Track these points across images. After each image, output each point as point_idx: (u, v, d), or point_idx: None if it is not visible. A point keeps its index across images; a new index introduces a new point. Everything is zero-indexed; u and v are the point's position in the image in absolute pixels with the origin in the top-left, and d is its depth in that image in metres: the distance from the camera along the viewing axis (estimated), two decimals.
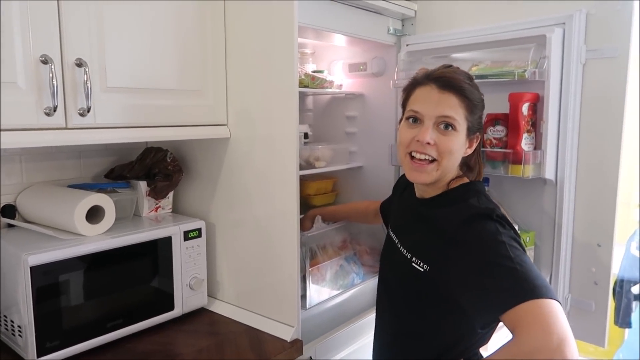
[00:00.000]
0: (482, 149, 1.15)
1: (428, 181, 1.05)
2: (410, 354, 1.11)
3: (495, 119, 1.46)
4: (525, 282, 0.88)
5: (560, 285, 1.44)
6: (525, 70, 1.37)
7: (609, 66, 1.34)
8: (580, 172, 1.42)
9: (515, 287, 0.88)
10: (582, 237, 1.43)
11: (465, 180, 1.10)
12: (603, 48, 1.34)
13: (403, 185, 1.26)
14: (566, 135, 1.40)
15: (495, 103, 1.47)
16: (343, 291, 1.64)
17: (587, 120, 1.40)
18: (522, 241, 0.97)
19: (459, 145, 1.04)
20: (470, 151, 1.08)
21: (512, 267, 0.89)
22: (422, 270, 1.02)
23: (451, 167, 1.06)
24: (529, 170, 1.39)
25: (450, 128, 1.02)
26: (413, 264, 1.04)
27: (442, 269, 1.00)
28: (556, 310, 0.84)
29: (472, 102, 1.03)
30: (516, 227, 1.41)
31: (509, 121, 1.41)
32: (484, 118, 1.12)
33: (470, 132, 1.05)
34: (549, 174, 1.41)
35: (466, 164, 1.12)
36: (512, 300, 0.86)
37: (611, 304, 1.45)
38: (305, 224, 1.67)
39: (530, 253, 1.45)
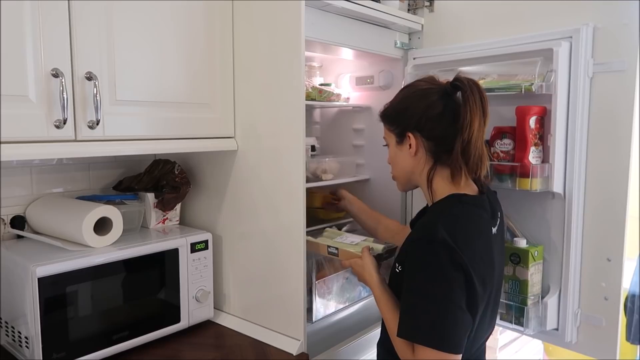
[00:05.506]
0: (489, 162, 1.14)
1: (399, 189, 1.26)
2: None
3: (502, 132, 1.45)
4: (412, 319, 0.99)
5: (570, 299, 1.42)
6: (532, 84, 1.37)
7: (617, 80, 1.33)
8: (588, 185, 1.41)
9: (403, 319, 1.00)
10: (591, 251, 1.41)
11: (454, 192, 1.10)
12: (611, 62, 1.34)
13: None
14: (574, 148, 1.39)
15: (502, 116, 1.47)
16: (349, 304, 1.64)
17: (595, 134, 1.39)
18: (464, 267, 0.97)
19: (392, 154, 1.20)
20: (413, 151, 1.13)
21: (414, 301, 0.99)
22: (398, 271, 1.09)
23: (398, 174, 1.21)
24: (536, 184, 1.38)
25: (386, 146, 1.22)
26: (395, 269, 1.11)
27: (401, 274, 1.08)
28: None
29: (388, 117, 1.19)
30: (524, 242, 1.42)
31: (516, 134, 1.41)
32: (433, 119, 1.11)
33: (400, 136, 1.15)
34: (557, 187, 1.40)
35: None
36: (398, 330, 1.00)
37: (622, 320, 1.42)
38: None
39: (538, 267, 1.44)
